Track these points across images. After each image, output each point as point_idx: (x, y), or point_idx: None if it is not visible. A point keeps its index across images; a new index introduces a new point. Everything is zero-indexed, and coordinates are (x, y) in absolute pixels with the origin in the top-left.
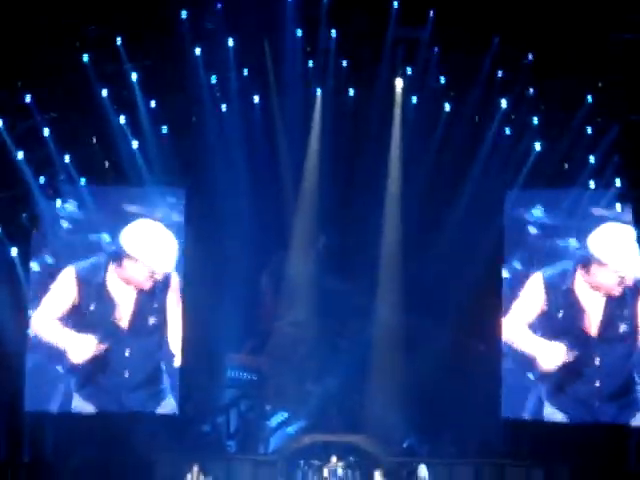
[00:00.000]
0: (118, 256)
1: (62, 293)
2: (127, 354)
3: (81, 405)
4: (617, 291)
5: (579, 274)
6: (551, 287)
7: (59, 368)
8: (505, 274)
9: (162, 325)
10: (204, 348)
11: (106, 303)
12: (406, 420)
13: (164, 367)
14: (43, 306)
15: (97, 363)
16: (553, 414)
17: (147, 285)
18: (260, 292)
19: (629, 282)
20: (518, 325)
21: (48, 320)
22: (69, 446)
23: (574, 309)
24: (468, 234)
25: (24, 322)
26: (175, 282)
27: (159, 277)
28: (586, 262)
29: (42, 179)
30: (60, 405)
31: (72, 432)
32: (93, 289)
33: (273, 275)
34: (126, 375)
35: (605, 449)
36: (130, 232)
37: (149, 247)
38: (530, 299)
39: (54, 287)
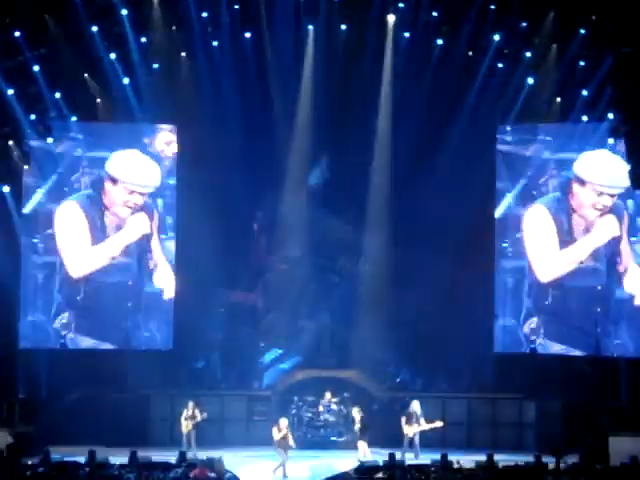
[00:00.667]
0: (101, 181)
1: (68, 224)
2: (114, 281)
3: (76, 340)
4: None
5: (569, 199)
6: (552, 214)
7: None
8: (498, 210)
9: (145, 254)
10: (197, 285)
11: (100, 230)
12: (399, 356)
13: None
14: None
15: (90, 292)
16: (549, 346)
17: (125, 212)
18: (253, 230)
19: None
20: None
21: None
22: (63, 383)
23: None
24: (460, 170)
25: (17, 259)
26: (156, 213)
27: (139, 201)
28: (570, 185)
29: (33, 116)
30: (54, 342)
31: (66, 369)
32: (90, 220)
33: (266, 213)
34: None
35: (596, 383)
36: (113, 157)
37: (129, 169)
38: (535, 229)
39: (58, 220)
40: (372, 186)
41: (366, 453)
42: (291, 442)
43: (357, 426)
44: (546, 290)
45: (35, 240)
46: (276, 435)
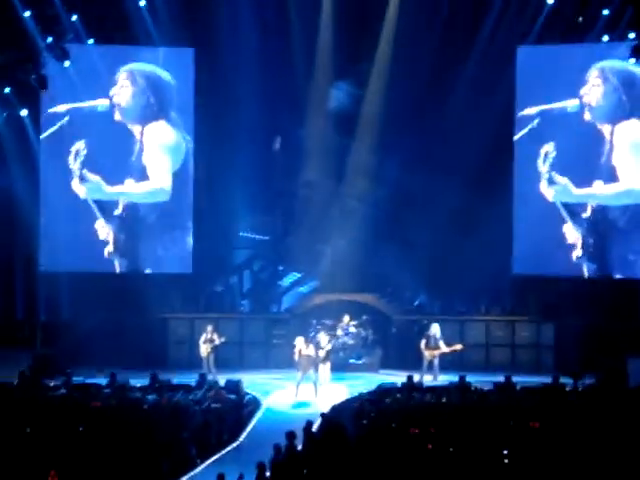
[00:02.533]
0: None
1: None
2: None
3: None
4: None
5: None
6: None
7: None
8: (517, 134)
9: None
10: (217, 209)
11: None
12: (417, 279)
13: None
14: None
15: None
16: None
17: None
18: (272, 154)
19: None
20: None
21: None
22: (84, 306)
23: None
24: (479, 91)
25: (36, 184)
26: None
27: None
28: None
29: (50, 39)
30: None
31: (87, 292)
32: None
33: (285, 137)
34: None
35: (615, 305)
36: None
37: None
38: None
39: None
40: (390, 111)
41: (327, 376)
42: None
43: (324, 351)
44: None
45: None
46: (301, 354)
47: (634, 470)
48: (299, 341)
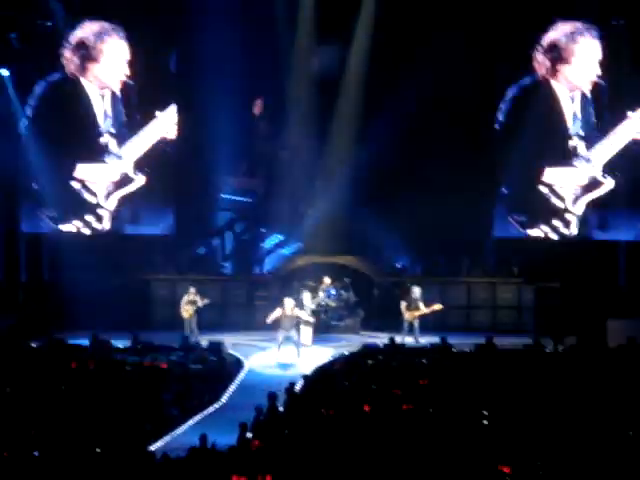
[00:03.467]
0: None
1: None
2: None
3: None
4: None
5: None
6: None
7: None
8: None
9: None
10: (198, 171)
11: None
12: (399, 241)
13: None
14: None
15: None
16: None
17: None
18: (254, 116)
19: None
20: None
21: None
22: (66, 267)
23: None
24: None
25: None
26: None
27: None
28: None
29: None
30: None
31: (69, 253)
32: None
33: (267, 99)
34: None
35: (595, 266)
36: None
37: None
38: None
39: None
40: (374, 72)
41: (309, 338)
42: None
43: (307, 310)
44: None
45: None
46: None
47: (612, 427)
48: (288, 302)
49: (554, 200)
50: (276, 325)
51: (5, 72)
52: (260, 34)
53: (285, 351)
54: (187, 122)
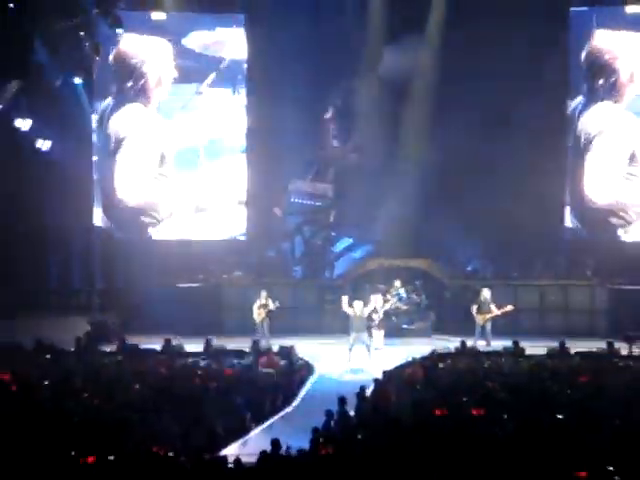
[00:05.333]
0: None
1: None
2: None
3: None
4: None
5: None
6: None
7: None
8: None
9: None
10: (269, 175)
11: None
12: (470, 243)
13: None
14: None
15: None
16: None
17: None
18: (323, 119)
19: None
20: None
21: None
22: (140, 273)
23: None
24: (536, 51)
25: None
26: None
27: None
28: None
29: (103, 7)
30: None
31: (143, 259)
32: None
33: (337, 102)
34: None
35: None
36: None
37: None
38: None
39: None
40: (445, 74)
41: (380, 341)
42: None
43: (379, 315)
44: None
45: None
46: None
47: None
48: (357, 304)
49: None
50: (347, 328)
51: (78, 80)
52: (330, 35)
53: (356, 354)
54: (257, 125)
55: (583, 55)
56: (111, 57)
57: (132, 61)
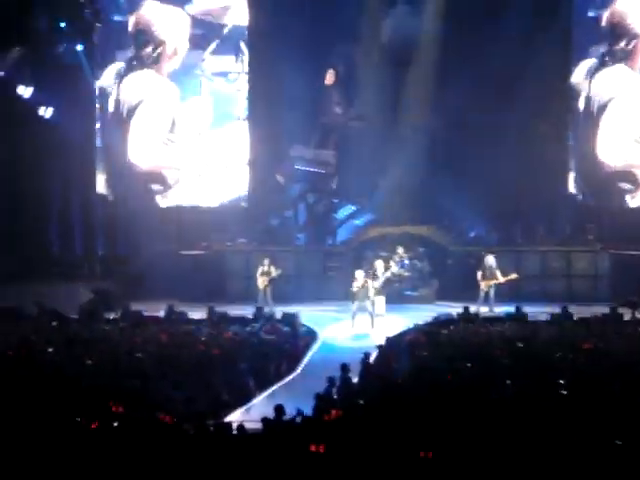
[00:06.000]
0: None
1: None
2: None
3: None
4: None
5: None
6: None
7: None
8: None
9: None
10: (271, 142)
11: None
12: (473, 210)
13: None
14: None
15: None
16: None
17: None
18: (325, 87)
19: None
20: None
21: None
22: (141, 240)
23: None
24: (536, 22)
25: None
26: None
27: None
28: None
29: None
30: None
31: (144, 226)
32: None
33: (338, 69)
34: None
35: None
36: None
37: None
38: None
39: None
40: (447, 39)
41: (382, 308)
42: (370, 293)
43: (379, 281)
44: None
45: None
46: (355, 287)
47: None
48: (359, 274)
49: None
50: (350, 295)
51: (80, 47)
52: (331, 1)
53: (359, 321)
54: (259, 93)
55: (605, 17)
56: (131, 22)
57: (152, 28)
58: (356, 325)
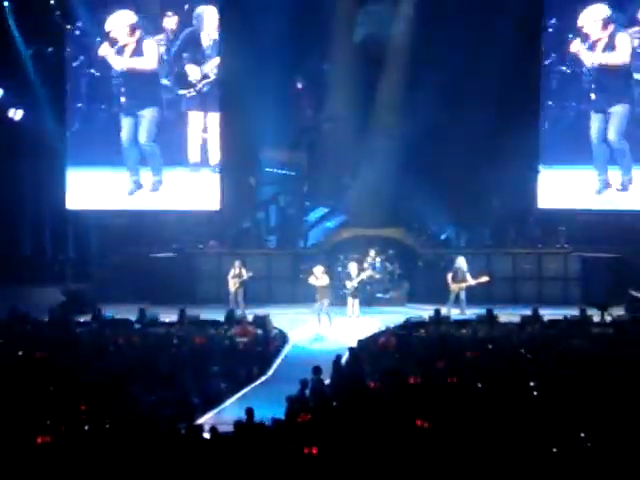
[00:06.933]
0: None
1: None
2: None
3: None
4: None
5: None
6: None
7: None
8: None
9: None
10: (243, 146)
11: None
12: (444, 213)
13: None
14: None
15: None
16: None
17: None
18: (296, 87)
19: None
20: None
21: None
22: (113, 242)
23: None
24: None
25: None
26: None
27: None
28: None
29: None
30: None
31: (115, 229)
32: None
33: (310, 70)
34: None
35: None
36: None
37: None
38: None
39: None
40: (418, 43)
41: (355, 310)
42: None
43: (354, 283)
44: None
45: None
46: (314, 282)
47: None
48: (317, 270)
49: None
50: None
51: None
52: (302, 2)
53: (324, 321)
54: (230, 94)
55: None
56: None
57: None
58: (322, 325)
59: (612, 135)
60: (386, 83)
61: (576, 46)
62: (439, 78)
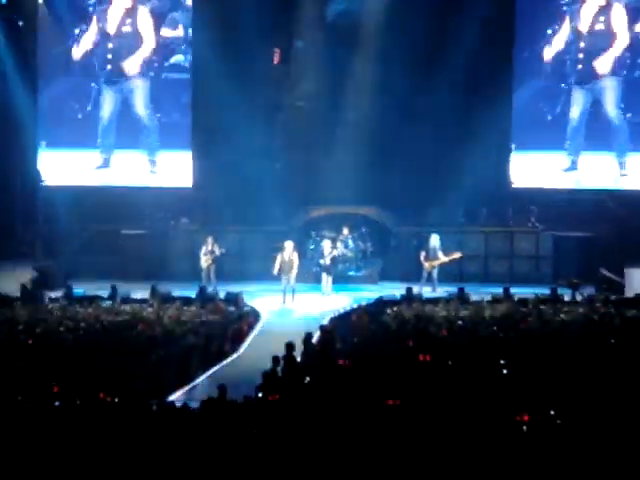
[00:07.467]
0: None
1: None
2: None
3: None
4: None
5: None
6: None
7: None
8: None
9: None
10: (215, 123)
11: None
12: (417, 191)
13: None
14: None
15: None
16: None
17: None
18: (270, 67)
19: None
20: None
21: None
22: (82, 219)
23: None
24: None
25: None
26: None
27: None
28: None
29: None
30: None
31: (85, 205)
32: None
33: (282, 49)
34: None
35: (615, 216)
36: None
37: None
38: None
39: None
40: (390, 21)
41: (328, 287)
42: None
43: (326, 260)
44: None
45: None
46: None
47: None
48: (288, 245)
49: None
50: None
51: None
52: None
53: (290, 297)
54: (203, 72)
55: None
56: None
57: None
58: (288, 301)
59: (610, 107)
60: (358, 62)
61: None
62: (411, 56)
